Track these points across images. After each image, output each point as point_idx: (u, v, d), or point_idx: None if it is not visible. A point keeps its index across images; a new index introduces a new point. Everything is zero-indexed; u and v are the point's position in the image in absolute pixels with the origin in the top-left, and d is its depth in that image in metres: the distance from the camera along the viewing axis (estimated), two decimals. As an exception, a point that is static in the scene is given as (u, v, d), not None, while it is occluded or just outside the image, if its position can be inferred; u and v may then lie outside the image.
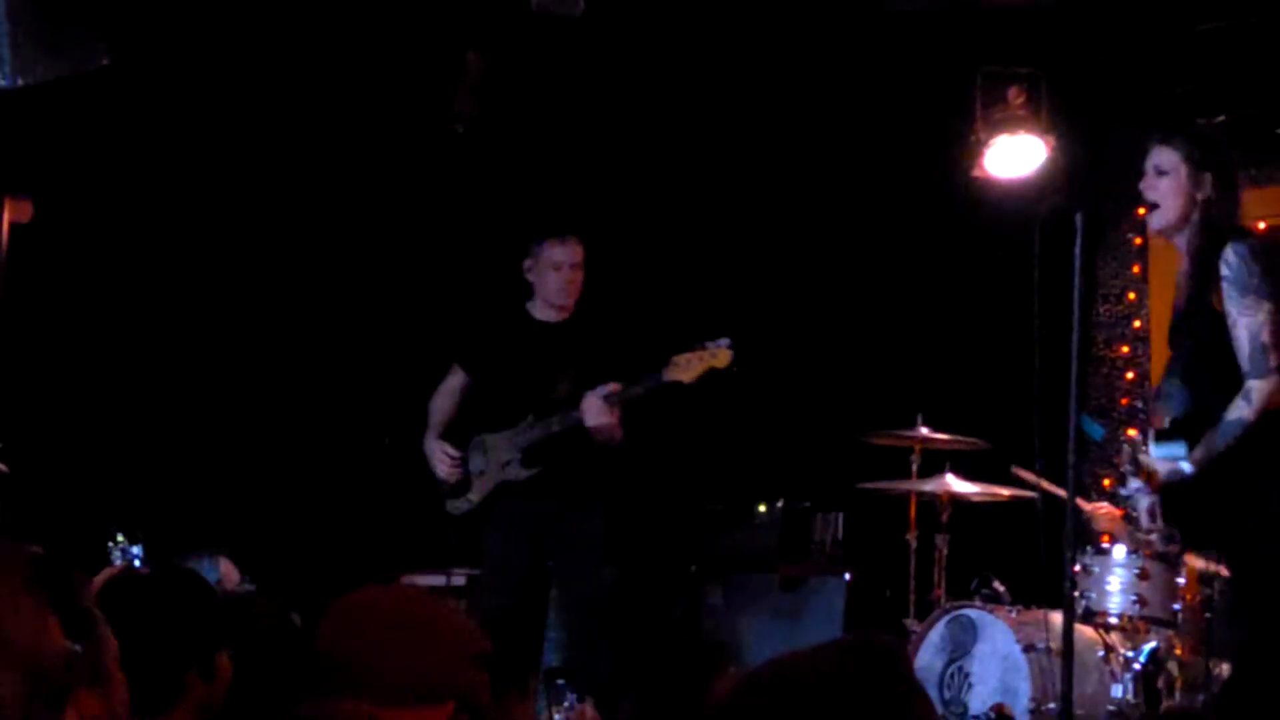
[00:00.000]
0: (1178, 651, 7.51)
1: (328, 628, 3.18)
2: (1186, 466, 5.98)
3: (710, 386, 10.26)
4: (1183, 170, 6.14)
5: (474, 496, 8.01)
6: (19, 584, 2.41)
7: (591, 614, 7.92)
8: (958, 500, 8.80)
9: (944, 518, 8.79)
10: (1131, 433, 6.29)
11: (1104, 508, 7.83)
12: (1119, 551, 7.69)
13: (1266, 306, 5.94)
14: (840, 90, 9.88)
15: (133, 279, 9.50)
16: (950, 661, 8.09)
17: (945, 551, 8.74)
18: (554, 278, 8.00)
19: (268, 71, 9.34)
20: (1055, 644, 7.28)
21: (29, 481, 7.95)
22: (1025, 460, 8.09)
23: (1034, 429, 6.15)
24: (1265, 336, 5.92)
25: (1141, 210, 6.34)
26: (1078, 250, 5.86)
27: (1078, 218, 5.86)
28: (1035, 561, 6.20)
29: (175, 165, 9.49)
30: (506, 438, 7.96)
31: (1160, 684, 7.44)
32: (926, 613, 8.50)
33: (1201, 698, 7.15)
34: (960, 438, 8.88)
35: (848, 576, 9.69)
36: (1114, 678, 7.69)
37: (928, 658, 8.13)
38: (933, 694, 7.80)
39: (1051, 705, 7.60)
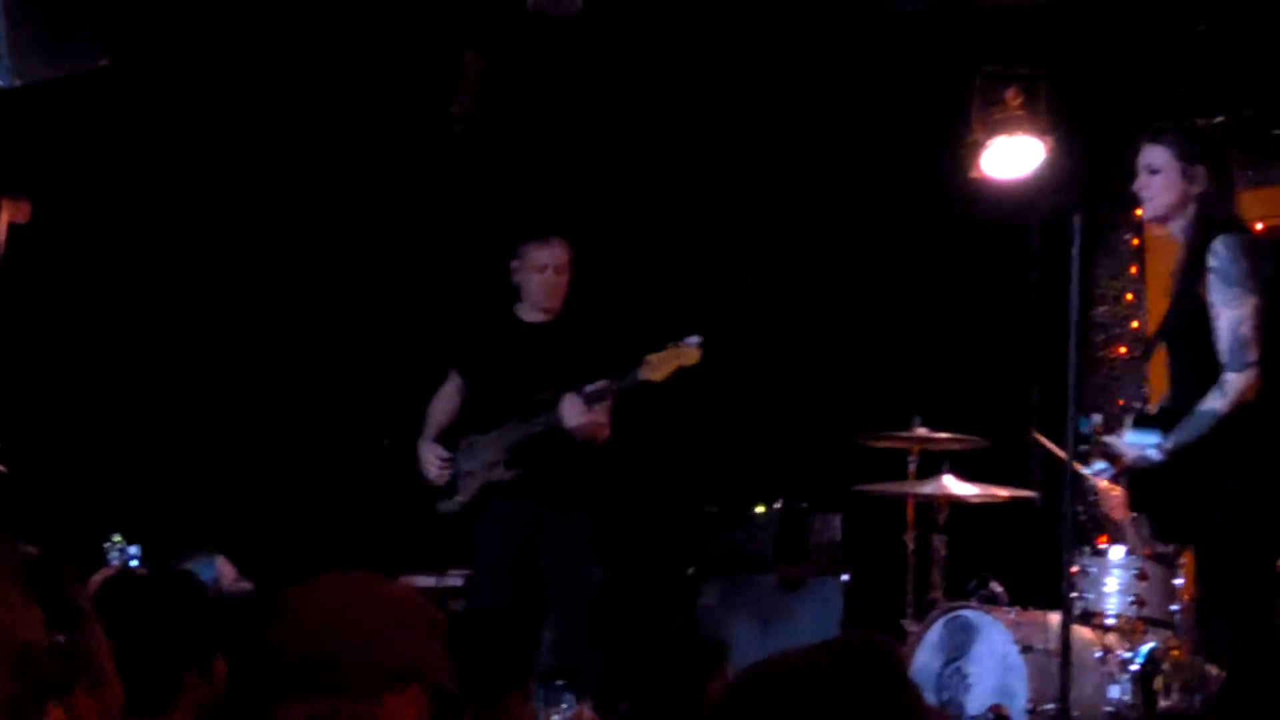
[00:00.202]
0: (1175, 653, 7.50)
1: (278, 629, 3.14)
2: (1154, 454, 5.98)
3: (709, 386, 10.29)
4: (1175, 167, 6.16)
5: (462, 497, 8.04)
6: (7, 578, 2.41)
7: (579, 615, 7.93)
8: (955, 501, 8.79)
9: (942, 519, 8.78)
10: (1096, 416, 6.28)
11: (1117, 489, 7.82)
12: (1116, 553, 7.69)
13: (1251, 301, 5.96)
14: (838, 90, 9.89)
15: (130, 279, 9.49)
16: (948, 662, 8.09)
17: (943, 552, 8.73)
18: (538, 280, 8.04)
19: (265, 73, 9.35)
20: (1053, 645, 7.27)
21: (27, 482, 7.95)
22: (1024, 462, 8.08)
23: (1032, 429, 6.16)
24: (1245, 330, 5.93)
25: (1139, 211, 6.34)
26: (1076, 251, 5.87)
27: (1075, 219, 5.87)
28: (1033, 562, 6.22)
29: (173, 166, 9.49)
30: (493, 439, 8.00)
31: (1157, 685, 7.43)
32: (924, 613, 8.50)
33: (1199, 699, 7.14)
34: (958, 436, 8.88)
35: (846, 577, 9.69)
36: (1111, 679, 7.68)
37: (925, 658, 8.13)
38: (930, 695, 7.80)
39: (1049, 706, 7.59)
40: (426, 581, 8.67)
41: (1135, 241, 10.08)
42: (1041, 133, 9.73)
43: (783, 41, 9.48)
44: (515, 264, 8.10)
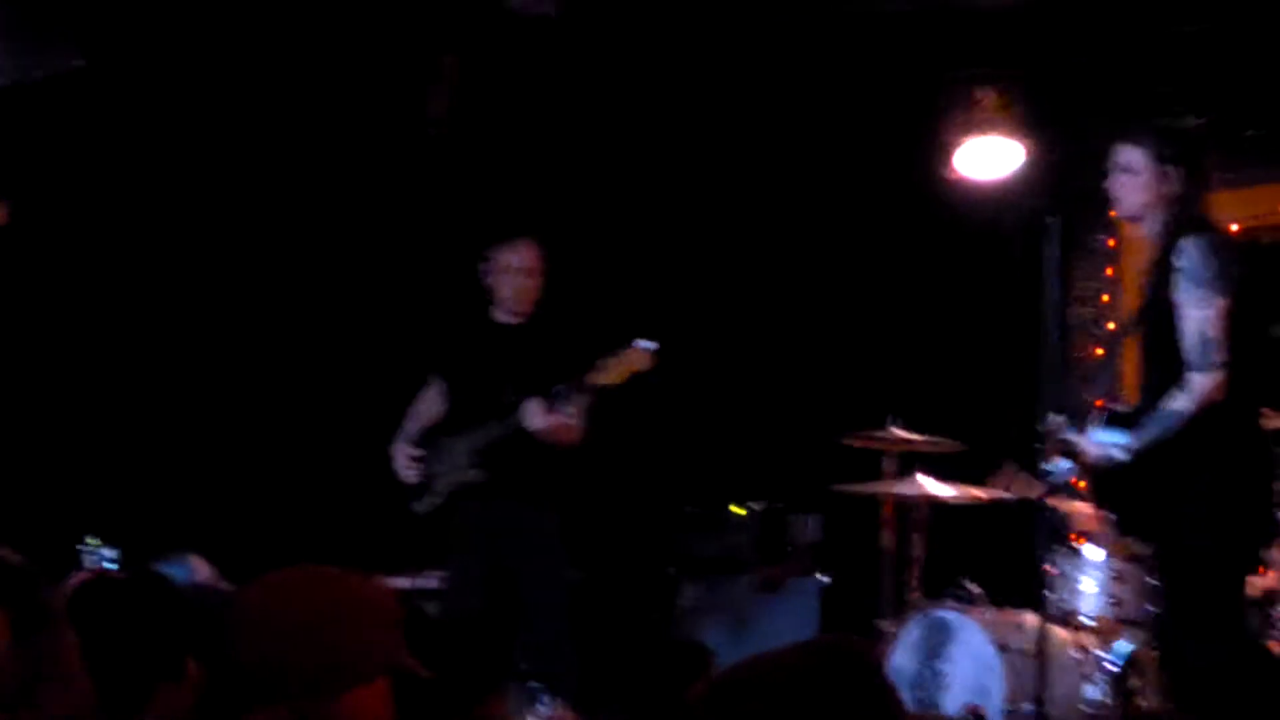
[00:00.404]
0: (1151, 653, 7.52)
1: (238, 635, 3.11)
2: (1119, 453, 5.99)
3: (687, 387, 10.30)
4: (1149, 167, 6.16)
5: (431, 498, 8.04)
6: None
7: (553, 617, 7.92)
8: (933, 502, 8.80)
9: (919, 519, 8.80)
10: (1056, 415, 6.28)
11: (1088, 508, 7.84)
12: (1093, 553, 7.72)
13: (1217, 302, 5.96)
14: (815, 91, 9.90)
15: (106, 281, 9.48)
16: (925, 662, 8.10)
17: (920, 553, 8.75)
18: (507, 282, 8.04)
19: (241, 76, 9.34)
20: (1029, 645, 7.29)
21: (3, 485, 7.94)
22: (1000, 462, 8.10)
23: (1007, 430, 6.18)
24: (1211, 331, 5.94)
25: (1114, 212, 6.34)
26: (1052, 253, 5.88)
27: (1051, 220, 5.88)
28: (1010, 563, 6.23)
29: (150, 168, 9.48)
30: (461, 440, 8.00)
31: (1133, 685, 7.45)
32: (901, 614, 8.51)
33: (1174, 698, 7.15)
34: (934, 438, 8.89)
35: (823, 578, 9.69)
36: (1088, 679, 7.71)
37: (902, 658, 8.14)
38: (907, 695, 7.82)
39: (1025, 706, 7.61)
40: (402, 583, 8.67)
41: (1111, 243, 10.10)
42: (1018, 134, 9.74)
43: (759, 43, 9.49)
44: (485, 267, 8.11)
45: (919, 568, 8.74)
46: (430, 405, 8.26)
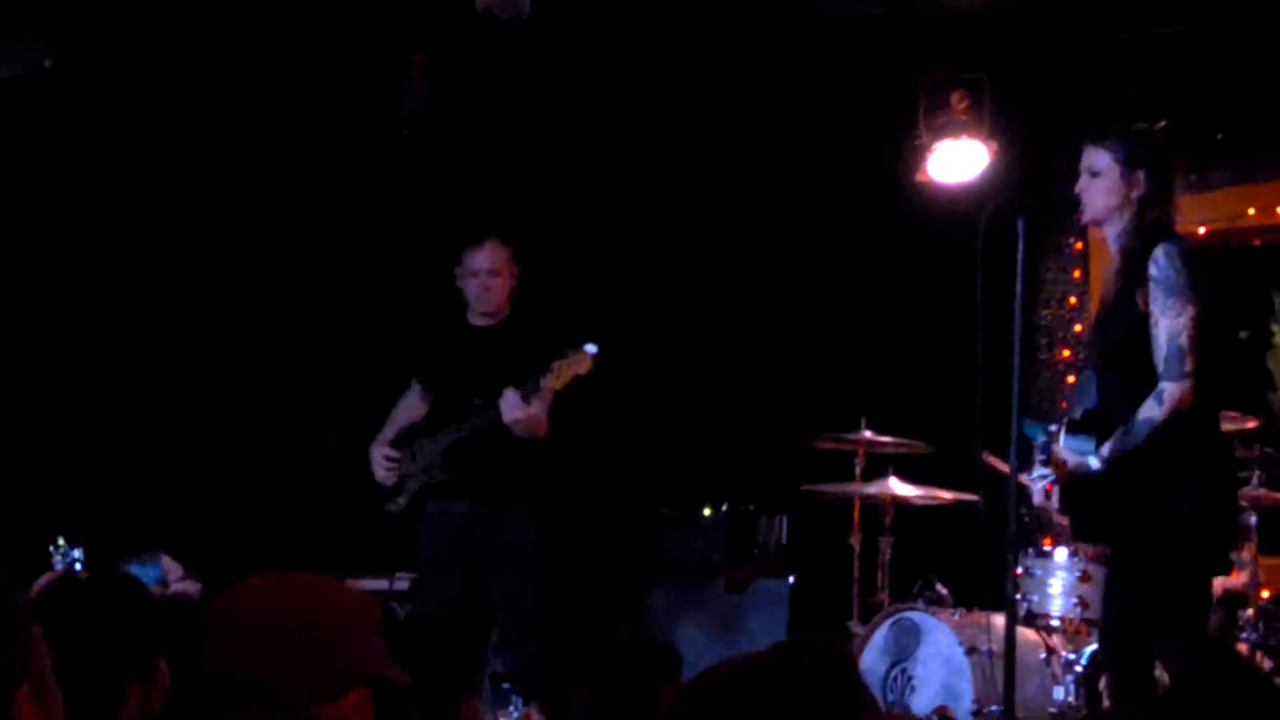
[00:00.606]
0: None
1: (218, 646, 3.09)
2: (1094, 463, 6.00)
3: (656, 388, 10.30)
4: (1115, 171, 6.16)
5: (403, 499, 8.04)
6: None
7: (524, 617, 7.92)
8: (901, 503, 8.82)
9: (887, 520, 8.81)
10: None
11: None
12: (1061, 554, 7.74)
13: (1189, 311, 5.97)
14: (785, 95, 9.90)
15: (75, 282, 9.45)
16: (893, 664, 8.12)
17: (888, 554, 8.77)
18: (473, 284, 8.05)
19: (213, 77, 9.31)
20: (997, 646, 7.29)
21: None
22: (968, 464, 8.11)
23: (976, 432, 6.18)
24: (1184, 340, 5.95)
25: (1081, 215, 6.34)
26: (1020, 255, 5.88)
27: (1020, 222, 5.88)
28: (978, 564, 6.23)
29: (120, 169, 9.45)
30: (433, 442, 8.00)
31: (1101, 686, 7.47)
32: (870, 615, 8.53)
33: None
34: (903, 440, 8.91)
35: (792, 579, 9.70)
36: (1056, 680, 7.73)
37: (871, 660, 8.16)
38: (876, 696, 7.82)
39: (994, 708, 7.63)
40: (374, 584, 8.67)
41: (1080, 245, 10.12)
42: (986, 137, 9.77)
43: (730, 46, 9.49)
44: (457, 269, 8.11)
45: (887, 569, 8.76)
46: (410, 408, 8.26)
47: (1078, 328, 10.12)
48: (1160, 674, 6.35)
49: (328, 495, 9.43)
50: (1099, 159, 6.20)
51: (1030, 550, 7.79)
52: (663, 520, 10.16)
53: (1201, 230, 9.78)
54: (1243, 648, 7.85)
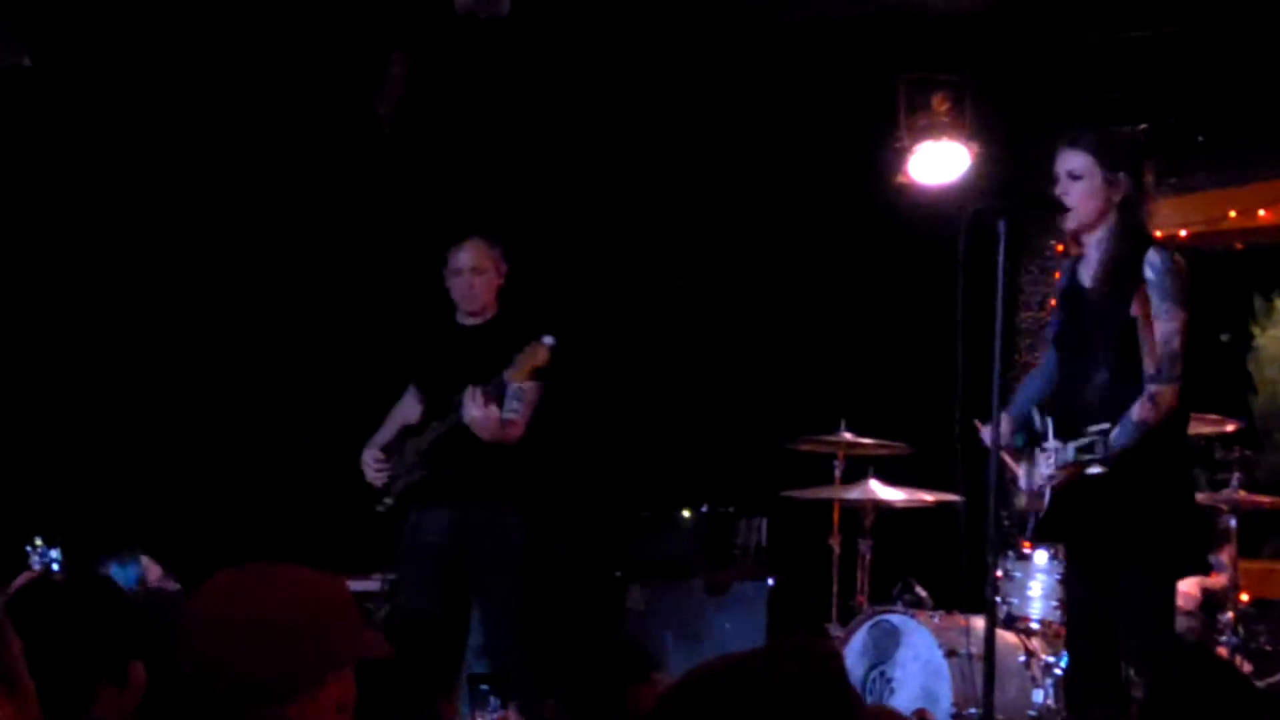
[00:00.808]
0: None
1: (193, 645, 3.06)
2: (1096, 468, 5.98)
3: (635, 390, 10.29)
4: (1097, 174, 6.15)
5: (390, 499, 8.03)
6: None
7: (506, 619, 7.90)
8: (881, 505, 8.82)
9: (867, 523, 8.81)
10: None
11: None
12: (1041, 557, 7.74)
13: (1182, 316, 5.98)
14: (766, 95, 9.89)
15: (50, 281, 9.42)
16: (872, 666, 8.11)
17: (868, 556, 8.76)
18: (457, 283, 8.03)
19: (191, 76, 9.28)
20: (977, 649, 7.29)
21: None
22: (948, 466, 8.10)
23: (956, 434, 6.17)
24: (1176, 344, 5.95)
25: (1065, 218, 6.31)
26: (1000, 257, 5.88)
27: (1000, 224, 5.87)
28: (957, 567, 6.22)
29: (96, 168, 9.42)
30: (418, 440, 7.99)
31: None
32: (849, 618, 8.52)
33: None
34: (883, 442, 8.91)
35: (771, 582, 9.69)
36: (1035, 683, 7.72)
37: (850, 663, 8.14)
38: (856, 699, 7.81)
39: (973, 710, 7.62)
40: (352, 585, 8.64)
41: (1060, 248, 10.12)
42: (967, 138, 9.78)
43: (711, 46, 9.48)
44: (445, 270, 8.10)
45: (866, 572, 8.75)
46: (406, 410, 8.23)
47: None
48: (1126, 671, 6.36)
49: (306, 496, 9.41)
50: (1078, 162, 6.18)
51: (1010, 553, 7.79)
52: (641, 522, 10.16)
53: (1182, 232, 9.78)
54: (1223, 651, 7.85)
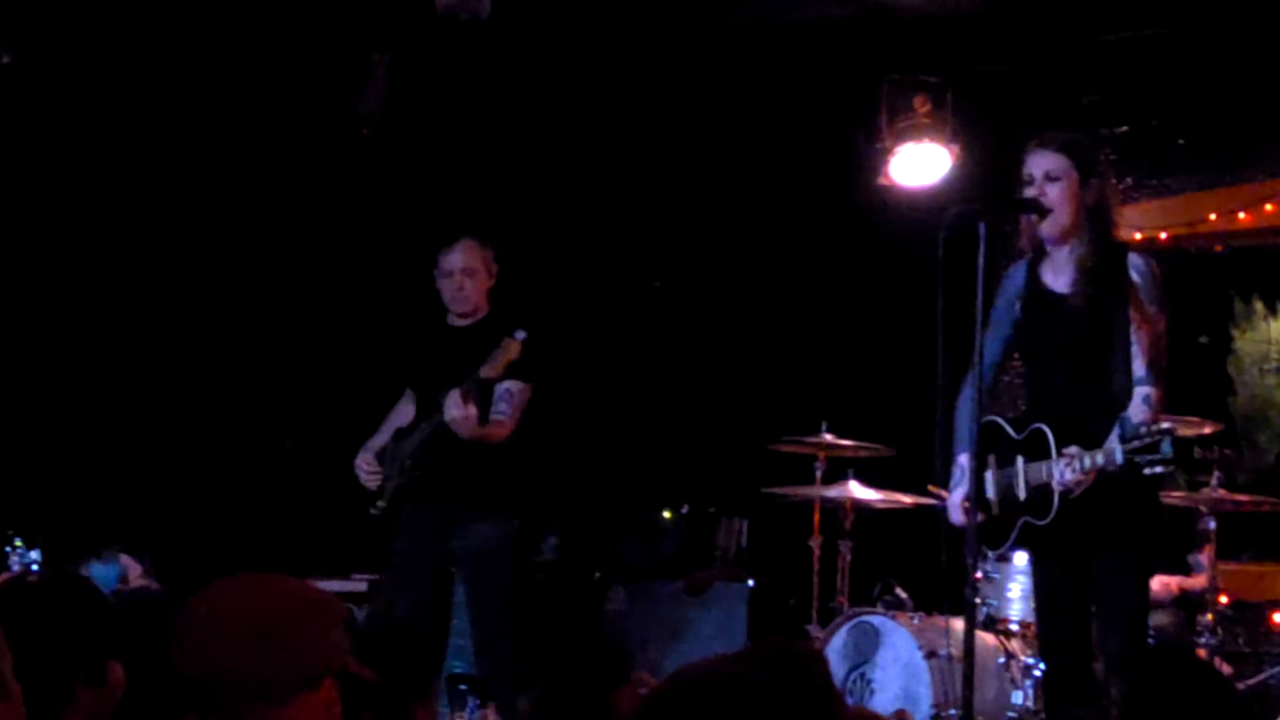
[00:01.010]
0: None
1: (183, 648, 3.10)
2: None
3: (617, 391, 10.29)
4: (1073, 177, 6.14)
5: (382, 503, 8.01)
6: None
7: (489, 620, 7.89)
8: (861, 507, 8.82)
9: (847, 524, 8.81)
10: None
11: None
12: (1020, 559, 7.74)
13: (1163, 320, 5.99)
14: (748, 97, 9.90)
15: (29, 281, 9.40)
16: (852, 668, 8.11)
17: (848, 558, 8.76)
18: (447, 284, 8.02)
19: (173, 76, 9.27)
20: (956, 651, 7.30)
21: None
22: (927, 467, 8.11)
23: (936, 435, 6.17)
24: (1162, 347, 5.96)
25: (1043, 221, 6.27)
26: (981, 259, 5.87)
27: (981, 226, 5.87)
28: (937, 568, 6.22)
29: (77, 168, 9.40)
30: (408, 441, 7.97)
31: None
32: (829, 619, 8.52)
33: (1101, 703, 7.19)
34: (864, 444, 8.91)
35: (751, 582, 9.70)
36: (1014, 684, 7.73)
37: (830, 664, 8.13)
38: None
39: (952, 712, 7.63)
40: (330, 586, 8.64)
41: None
42: (948, 140, 9.78)
43: (693, 48, 9.48)
44: (435, 271, 8.09)
45: (846, 573, 8.75)
46: (401, 414, 8.22)
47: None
48: (1098, 668, 6.37)
49: (288, 498, 9.40)
50: (1055, 163, 6.16)
51: (990, 555, 7.78)
52: (622, 522, 10.16)
53: (1162, 235, 9.80)
54: (1201, 652, 7.87)
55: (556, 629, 9.54)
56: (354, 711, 3.27)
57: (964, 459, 6.13)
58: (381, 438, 8.13)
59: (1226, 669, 7.89)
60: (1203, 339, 10.33)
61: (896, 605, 8.37)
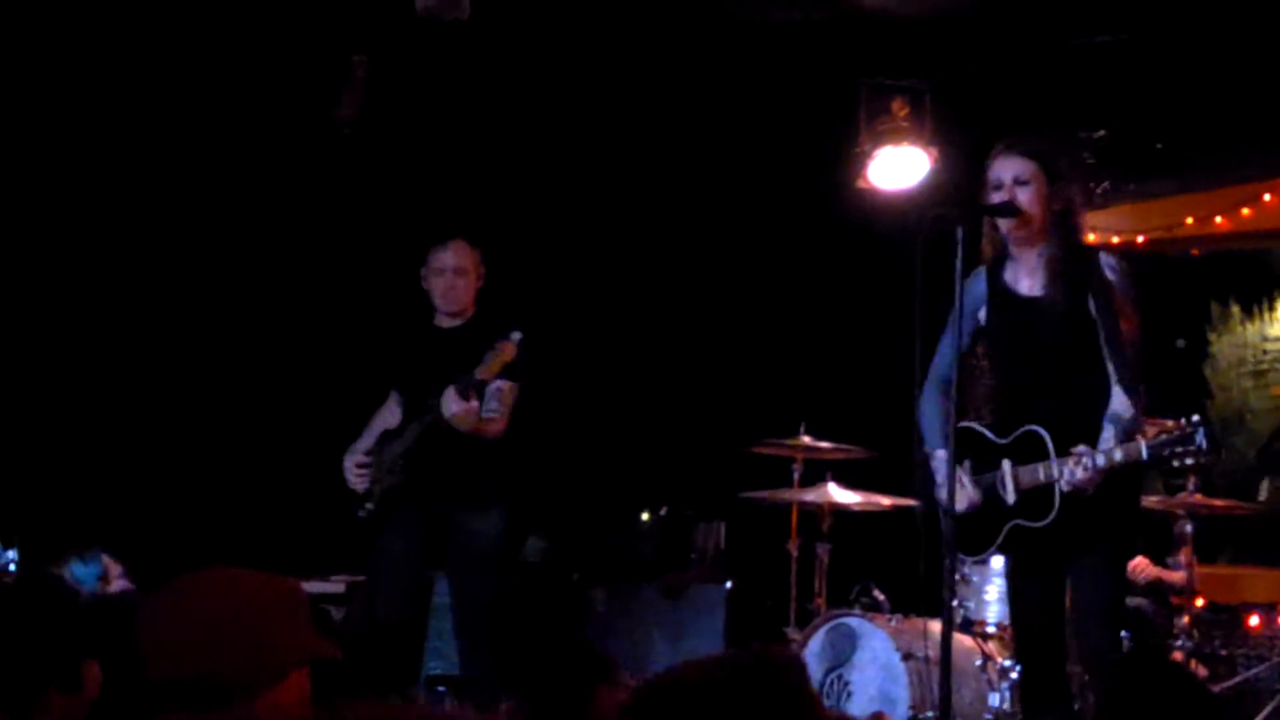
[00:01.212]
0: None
1: (146, 656, 3.08)
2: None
3: (595, 392, 10.29)
4: (1042, 180, 6.15)
5: (370, 505, 8.01)
6: None
7: (472, 621, 7.88)
8: (839, 509, 8.83)
9: (825, 526, 8.82)
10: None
11: None
12: (997, 561, 7.75)
13: (1137, 318, 6.01)
14: (726, 99, 9.90)
15: (9, 281, 9.39)
16: (830, 670, 8.12)
17: (826, 560, 8.77)
18: (438, 284, 8.01)
19: (152, 79, 9.26)
20: (934, 652, 7.32)
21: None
22: (905, 469, 8.11)
23: (914, 437, 6.18)
24: (1138, 344, 5.99)
25: (1015, 224, 6.26)
26: (958, 262, 5.88)
27: (959, 230, 5.88)
28: (915, 570, 6.23)
29: (59, 169, 9.38)
30: (398, 442, 7.97)
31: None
32: (807, 621, 8.54)
33: (1078, 706, 7.21)
34: (842, 446, 8.92)
35: (729, 584, 9.71)
36: (991, 686, 7.75)
37: (808, 666, 8.15)
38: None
39: (929, 714, 7.65)
40: (308, 587, 8.63)
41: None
42: (926, 144, 9.79)
43: (672, 50, 9.48)
44: (423, 270, 8.08)
45: (824, 575, 8.77)
46: (387, 415, 8.21)
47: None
48: (1072, 668, 6.39)
49: (269, 498, 9.39)
50: (1024, 168, 6.16)
51: (967, 557, 7.80)
52: (602, 524, 10.16)
53: (1140, 239, 9.83)
54: (1178, 655, 7.89)
55: (537, 631, 9.54)
56: (335, 710, 3.27)
57: (941, 454, 6.13)
58: (367, 440, 8.13)
59: (1203, 671, 7.92)
60: (1180, 343, 10.37)
61: (874, 607, 8.38)
